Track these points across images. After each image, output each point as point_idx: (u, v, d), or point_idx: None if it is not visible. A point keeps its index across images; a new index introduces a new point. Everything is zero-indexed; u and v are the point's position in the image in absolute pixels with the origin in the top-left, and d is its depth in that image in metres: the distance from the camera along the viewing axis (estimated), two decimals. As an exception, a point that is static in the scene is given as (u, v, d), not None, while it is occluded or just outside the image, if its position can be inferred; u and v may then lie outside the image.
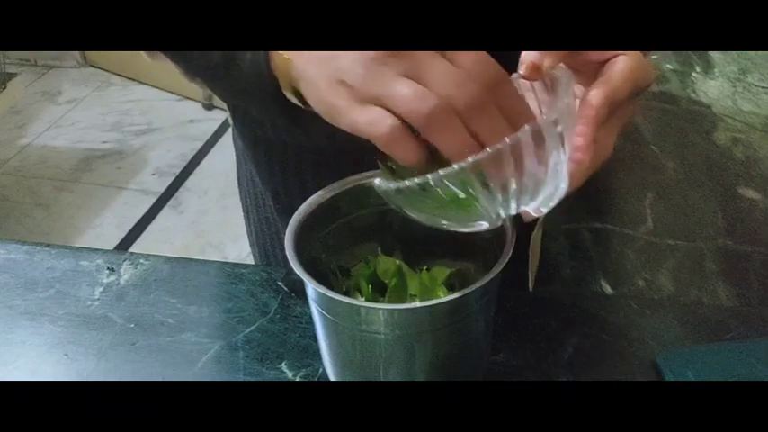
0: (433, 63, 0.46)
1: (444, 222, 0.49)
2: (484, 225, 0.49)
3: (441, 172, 0.44)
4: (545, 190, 0.47)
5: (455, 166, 0.44)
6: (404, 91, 0.45)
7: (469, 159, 0.44)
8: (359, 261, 0.62)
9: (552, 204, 0.48)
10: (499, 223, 0.49)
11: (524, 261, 0.87)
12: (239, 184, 0.92)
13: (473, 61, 0.46)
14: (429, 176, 0.44)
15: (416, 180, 0.44)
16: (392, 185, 0.47)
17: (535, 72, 0.48)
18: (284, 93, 0.53)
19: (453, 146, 0.46)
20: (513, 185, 0.46)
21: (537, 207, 0.48)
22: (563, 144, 0.46)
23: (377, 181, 0.49)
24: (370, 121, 0.47)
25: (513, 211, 0.48)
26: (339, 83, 0.48)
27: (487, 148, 0.44)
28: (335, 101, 0.48)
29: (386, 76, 0.46)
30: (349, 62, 0.47)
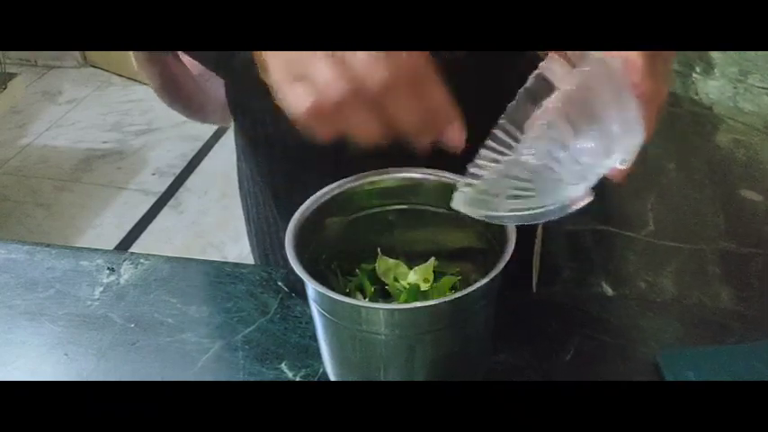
0: (357, 52, 0.46)
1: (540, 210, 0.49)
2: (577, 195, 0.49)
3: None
4: (620, 143, 0.47)
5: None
6: (320, 72, 0.46)
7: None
8: (359, 261, 0.62)
9: (632, 156, 0.48)
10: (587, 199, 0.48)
11: (525, 262, 0.87)
12: (240, 184, 0.92)
13: (399, 56, 0.46)
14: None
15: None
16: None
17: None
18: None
19: (358, 129, 0.48)
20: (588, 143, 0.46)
21: (619, 160, 0.49)
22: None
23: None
24: (292, 100, 0.48)
25: (597, 172, 0.48)
26: (281, 62, 0.48)
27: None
28: (275, 78, 0.49)
29: (312, 56, 0.47)
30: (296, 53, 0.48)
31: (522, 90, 0.53)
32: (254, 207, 0.87)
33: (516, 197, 0.47)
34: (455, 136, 0.49)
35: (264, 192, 0.82)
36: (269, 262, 0.86)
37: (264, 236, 0.87)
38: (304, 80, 0.47)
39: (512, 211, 0.48)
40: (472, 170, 0.51)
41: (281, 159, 0.76)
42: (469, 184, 0.49)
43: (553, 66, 0.51)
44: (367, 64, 0.46)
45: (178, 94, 0.83)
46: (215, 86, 0.85)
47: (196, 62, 0.80)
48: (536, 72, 0.52)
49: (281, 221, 0.80)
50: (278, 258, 0.84)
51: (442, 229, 0.61)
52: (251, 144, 0.79)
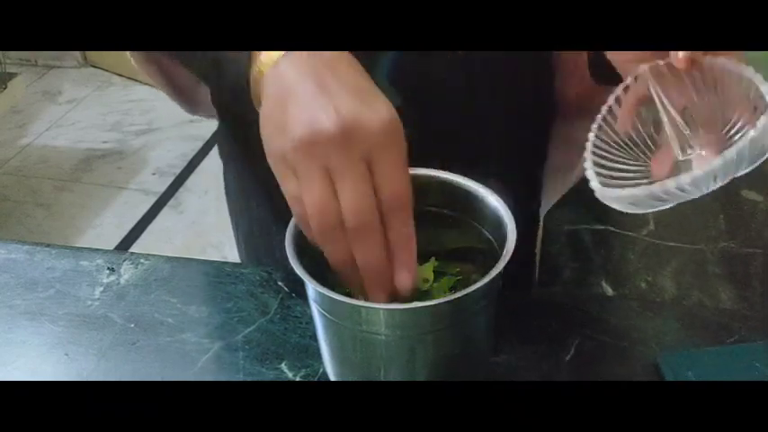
0: (355, 172, 0.48)
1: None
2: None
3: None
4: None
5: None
6: (313, 193, 0.49)
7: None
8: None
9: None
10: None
11: (525, 262, 0.87)
12: (227, 195, 0.92)
13: (391, 182, 0.49)
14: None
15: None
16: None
17: (691, 65, 0.51)
18: (254, 103, 0.55)
19: (333, 258, 0.51)
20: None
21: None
22: None
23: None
24: (289, 195, 0.51)
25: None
26: (280, 130, 0.50)
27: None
28: (270, 145, 0.51)
29: (310, 163, 0.49)
30: (295, 121, 0.49)
31: (616, 95, 0.54)
32: (246, 211, 0.87)
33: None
34: (407, 282, 0.52)
35: (256, 194, 0.82)
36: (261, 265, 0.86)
37: (257, 242, 0.87)
38: (296, 179, 0.49)
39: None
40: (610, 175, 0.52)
41: None
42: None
43: (660, 70, 0.52)
44: (353, 202, 0.48)
45: (170, 81, 0.83)
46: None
47: None
48: (635, 75, 0.53)
49: (277, 224, 0.80)
50: (272, 261, 0.84)
51: (442, 229, 0.61)
52: (241, 146, 0.79)
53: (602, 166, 0.52)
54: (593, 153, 0.53)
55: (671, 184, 0.46)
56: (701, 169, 0.46)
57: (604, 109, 0.54)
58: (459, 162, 0.60)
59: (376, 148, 0.48)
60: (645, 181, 0.51)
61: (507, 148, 0.78)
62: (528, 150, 0.81)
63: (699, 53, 0.51)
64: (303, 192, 0.49)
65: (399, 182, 0.50)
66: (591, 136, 0.54)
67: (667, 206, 0.49)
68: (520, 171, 0.81)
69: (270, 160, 0.51)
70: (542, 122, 0.81)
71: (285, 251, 0.53)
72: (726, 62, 0.51)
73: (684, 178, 0.46)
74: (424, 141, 0.72)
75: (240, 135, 0.79)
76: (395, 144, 0.50)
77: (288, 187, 0.51)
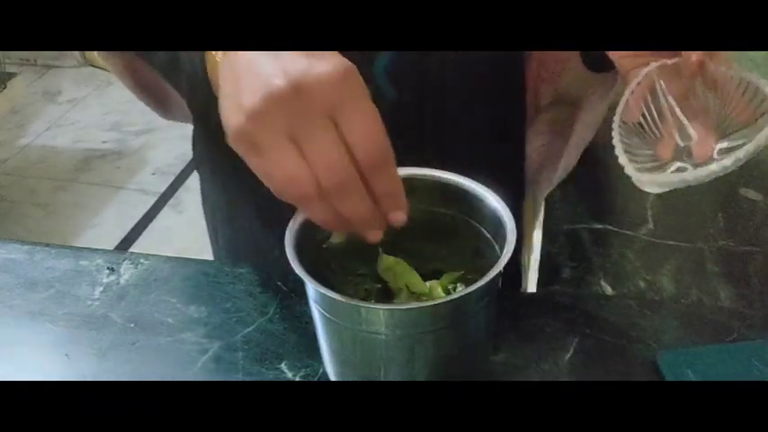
0: (318, 129, 0.46)
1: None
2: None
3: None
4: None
5: None
6: (280, 164, 0.46)
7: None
8: (359, 260, 0.62)
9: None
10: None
11: (513, 261, 0.87)
12: (205, 213, 0.91)
13: (360, 135, 0.46)
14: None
15: None
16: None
17: (700, 68, 0.52)
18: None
19: (318, 220, 0.49)
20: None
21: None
22: None
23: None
24: (258, 172, 0.48)
25: None
26: (235, 108, 0.47)
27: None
28: (228, 125, 0.48)
29: (270, 133, 0.46)
30: (246, 93, 0.47)
31: (629, 92, 0.56)
32: (227, 220, 0.87)
33: None
34: (400, 218, 0.50)
35: (243, 206, 0.81)
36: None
37: (239, 252, 0.87)
38: (262, 155, 0.47)
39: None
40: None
41: None
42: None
43: (667, 69, 0.55)
44: (326, 161, 0.46)
45: (141, 85, 0.83)
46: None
47: None
48: (645, 72, 0.55)
49: (265, 231, 0.80)
50: (262, 263, 0.84)
51: (442, 230, 0.61)
52: (229, 159, 0.79)
53: (626, 152, 0.55)
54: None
55: (703, 173, 0.52)
56: (723, 162, 0.53)
57: (622, 102, 0.56)
58: (446, 157, 0.61)
59: (335, 101, 0.46)
60: (657, 164, 0.55)
61: (486, 145, 0.78)
62: (507, 146, 0.82)
63: (707, 58, 0.52)
64: (271, 166, 0.47)
65: (370, 132, 0.47)
66: (615, 127, 0.55)
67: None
68: (500, 168, 0.81)
69: (230, 141, 0.49)
70: (519, 118, 0.82)
71: (284, 251, 0.53)
72: (726, 69, 0.53)
73: (714, 168, 0.52)
74: (418, 136, 0.73)
75: (209, 134, 0.78)
76: (356, 93, 0.47)
77: (254, 164, 0.48)
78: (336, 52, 0.48)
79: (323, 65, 0.46)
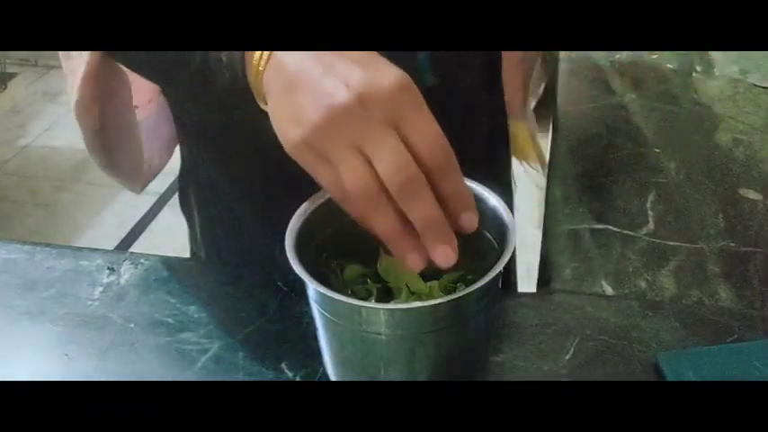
0: (384, 136, 0.47)
1: None
2: None
3: None
4: None
5: None
6: (346, 166, 0.47)
7: None
8: (360, 260, 0.62)
9: None
10: None
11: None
12: (187, 215, 0.92)
13: (425, 142, 0.47)
14: None
15: None
16: None
17: None
18: (258, 102, 0.54)
19: (384, 228, 0.49)
20: None
21: None
22: None
23: None
24: (327, 183, 0.49)
25: None
26: (296, 120, 0.49)
27: None
28: (289, 138, 0.50)
29: (338, 142, 0.48)
30: (308, 107, 0.48)
31: None
32: (208, 228, 0.86)
33: None
34: (470, 222, 0.51)
35: (238, 206, 0.81)
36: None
37: (220, 252, 0.87)
38: (330, 163, 0.48)
39: None
40: None
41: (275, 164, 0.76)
42: None
43: None
44: (391, 162, 0.47)
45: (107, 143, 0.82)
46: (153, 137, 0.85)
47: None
48: None
49: (260, 229, 0.80)
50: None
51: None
52: (223, 156, 0.79)
53: None
54: None
55: None
56: None
57: None
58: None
59: (396, 109, 0.47)
60: None
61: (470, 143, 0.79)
62: (488, 144, 0.83)
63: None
64: (341, 173, 0.48)
65: (432, 135, 0.48)
66: None
67: None
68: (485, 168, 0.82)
69: (292, 153, 0.50)
70: (498, 118, 0.83)
71: (284, 251, 0.53)
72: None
73: None
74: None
75: (229, 130, 0.78)
76: (414, 100, 0.48)
77: (322, 174, 0.49)
78: (386, 61, 0.49)
79: (383, 77, 0.48)
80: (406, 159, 0.47)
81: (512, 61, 0.77)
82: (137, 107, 0.82)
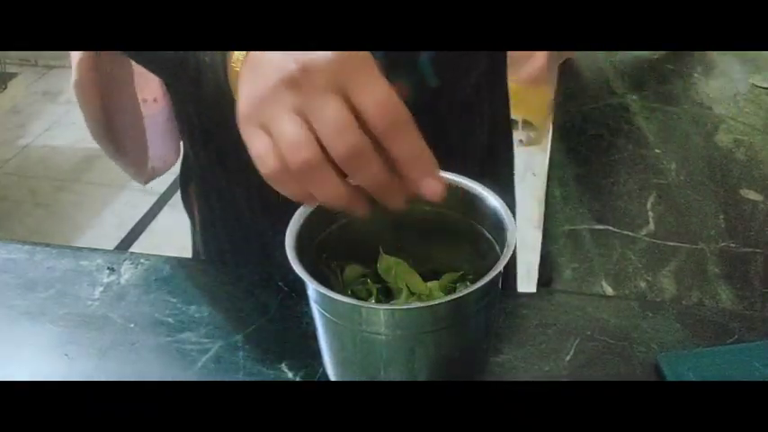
0: (326, 102, 0.45)
1: None
2: None
3: None
4: None
5: None
6: (285, 133, 0.46)
7: None
8: (360, 261, 0.62)
9: None
10: None
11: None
12: (188, 212, 0.92)
13: (372, 104, 0.46)
14: None
15: None
16: None
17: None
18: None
19: (324, 195, 0.47)
20: None
21: None
22: None
23: None
24: (257, 153, 0.47)
25: None
26: (244, 98, 0.48)
27: None
28: (239, 114, 0.49)
29: (278, 108, 0.46)
30: (258, 83, 0.47)
31: None
32: (210, 223, 0.87)
33: None
34: (434, 187, 0.48)
35: (243, 199, 0.81)
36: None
37: (221, 248, 0.87)
38: (269, 133, 0.47)
39: None
40: None
41: None
42: None
43: None
44: (333, 128, 0.45)
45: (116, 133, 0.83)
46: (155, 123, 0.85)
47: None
48: None
49: (264, 226, 0.80)
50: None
51: (442, 230, 0.61)
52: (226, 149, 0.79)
53: None
54: None
55: None
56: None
57: None
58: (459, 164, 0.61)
59: (343, 75, 0.45)
60: None
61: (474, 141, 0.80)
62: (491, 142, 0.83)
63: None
64: (275, 138, 0.46)
65: (380, 96, 0.45)
66: None
67: None
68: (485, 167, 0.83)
69: (240, 127, 0.49)
70: (501, 117, 0.84)
71: (285, 251, 0.53)
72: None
73: None
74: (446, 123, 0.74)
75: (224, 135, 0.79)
76: (362, 65, 0.46)
77: (254, 145, 0.47)
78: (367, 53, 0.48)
79: (334, 52, 0.46)
80: (348, 123, 0.45)
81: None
82: (145, 101, 0.82)
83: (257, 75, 0.48)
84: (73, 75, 0.77)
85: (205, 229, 0.89)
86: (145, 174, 0.88)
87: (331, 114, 0.45)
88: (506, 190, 0.89)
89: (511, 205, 0.89)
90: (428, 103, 0.69)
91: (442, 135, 0.75)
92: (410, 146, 0.47)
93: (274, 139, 0.46)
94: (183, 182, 0.91)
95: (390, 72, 0.65)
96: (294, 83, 0.46)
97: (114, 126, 0.82)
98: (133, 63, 0.76)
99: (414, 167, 0.47)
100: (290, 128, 0.46)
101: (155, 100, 0.83)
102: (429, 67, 0.69)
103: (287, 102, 0.46)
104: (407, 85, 0.69)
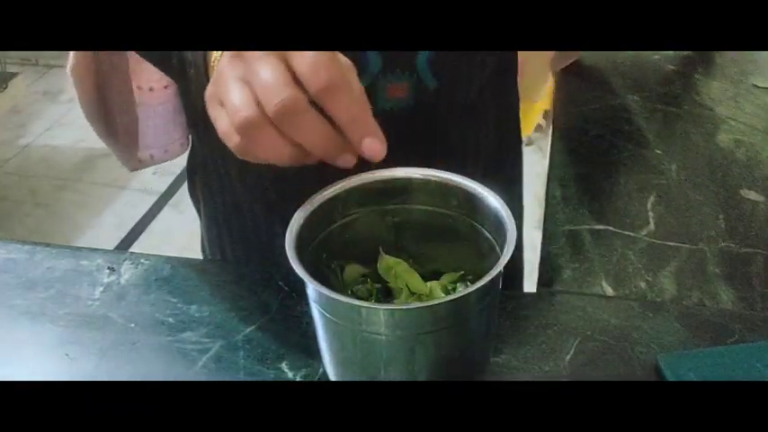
0: (261, 65, 0.47)
1: None
2: None
3: None
4: None
5: None
6: (230, 99, 0.48)
7: None
8: (360, 261, 0.62)
9: None
10: None
11: (514, 260, 0.88)
12: (195, 204, 0.92)
13: (306, 64, 0.47)
14: None
15: None
16: None
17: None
18: None
19: (266, 154, 0.48)
20: None
21: None
22: None
23: None
24: (221, 131, 0.50)
25: None
26: (210, 84, 0.51)
27: None
28: (206, 101, 0.51)
29: (227, 78, 0.48)
30: (218, 68, 0.50)
31: None
32: (220, 217, 0.87)
33: None
34: (373, 147, 0.49)
35: (254, 196, 0.82)
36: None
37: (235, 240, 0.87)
38: (223, 105, 0.49)
39: None
40: None
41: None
42: None
43: None
44: (267, 86, 0.46)
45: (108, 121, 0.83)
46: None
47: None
48: None
49: (268, 220, 0.80)
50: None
51: (442, 230, 0.61)
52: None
53: None
54: None
55: None
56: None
57: None
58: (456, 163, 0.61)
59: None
60: None
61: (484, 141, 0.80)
62: (501, 141, 0.83)
63: None
64: (226, 107, 0.48)
65: (316, 59, 0.46)
66: None
67: None
68: (498, 167, 0.83)
69: (208, 111, 0.51)
70: (508, 115, 0.84)
71: (285, 251, 0.53)
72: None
73: None
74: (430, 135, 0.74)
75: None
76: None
77: (218, 123, 0.50)
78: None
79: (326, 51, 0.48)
80: (281, 80, 0.46)
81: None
82: (140, 88, 0.82)
83: (220, 63, 0.51)
84: (70, 59, 0.78)
85: (208, 221, 0.89)
86: (133, 160, 0.88)
87: (266, 74, 0.47)
88: (514, 194, 0.89)
89: (518, 209, 0.90)
90: (427, 105, 0.69)
91: (442, 137, 0.75)
92: (346, 105, 0.48)
93: (226, 108, 0.48)
94: (190, 173, 0.91)
95: (388, 72, 0.66)
96: (239, 54, 0.48)
97: (107, 108, 0.82)
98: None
99: (351, 127, 0.48)
100: (234, 94, 0.48)
101: (150, 89, 0.83)
102: (427, 68, 0.69)
103: (234, 73, 0.48)
104: (406, 86, 0.69)
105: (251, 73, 0.47)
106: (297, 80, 0.47)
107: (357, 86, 0.48)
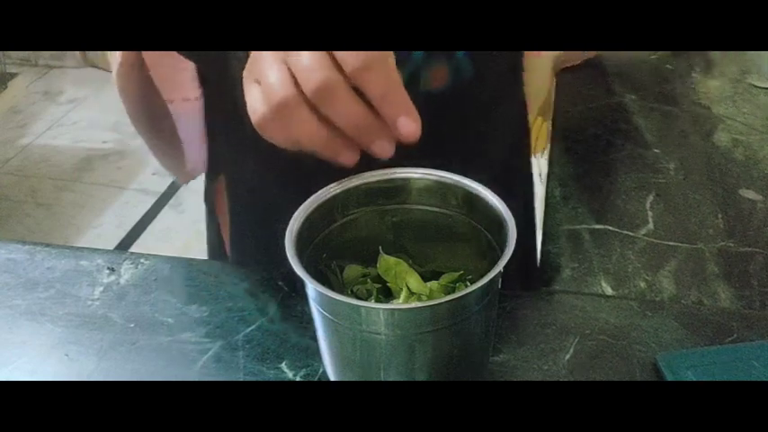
0: (302, 51, 0.48)
1: None
2: None
3: None
4: None
5: None
6: (267, 78, 0.48)
7: None
8: (359, 261, 0.62)
9: None
10: None
11: (528, 259, 0.87)
12: (209, 209, 0.91)
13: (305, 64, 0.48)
14: None
15: None
16: None
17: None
18: None
19: (301, 135, 0.49)
20: None
21: None
22: None
23: None
24: (249, 104, 0.50)
25: None
26: (248, 62, 0.52)
27: None
28: (243, 79, 0.52)
29: (266, 60, 0.49)
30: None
31: None
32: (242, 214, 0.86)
33: None
34: (409, 126, 0.49)
35: (268, 194, 0.81)
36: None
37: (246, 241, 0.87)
38: (259, 84, 0.50)
39: None
40: None
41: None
42: None
43: None
44: (306, 66, 0.47)
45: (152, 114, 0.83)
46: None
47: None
48: None
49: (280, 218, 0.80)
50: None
51: (442, 229, 0.61)
52: (246, 149, 0.79)
53: None
54: None
55: None
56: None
57: None
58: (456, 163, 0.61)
59: None
60: None
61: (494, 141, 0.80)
62: (511, 142, 0.84)
63: None
64: (262, 86, 0.49)
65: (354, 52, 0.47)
66: None
67: None
68: (508, 166, 0.83)
69: (244, 88, 0.51)
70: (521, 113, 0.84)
71: (284, 250, 0.53)
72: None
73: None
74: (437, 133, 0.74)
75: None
76: None
77: (249, 97, 0.50)
78: None
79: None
80: (320, 62, 0.47)
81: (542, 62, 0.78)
82: (171, 101, 0.81)
83: None
84: (114, 66, 0.77)
85: (238, 224, 0.88)
86: (183, 173, 0.87)
87: (305, 55, 0.47)
88: (528, 184, 0.89)
89: (530, 215, 0.90)
90: (460, 95, 0.69)
91: (475, 124, 0.75)
92: (383, 83, 0.48)
93: (261, 87, 0.49)
94: (210, 177, 0.90)
95: (430, 58, 0.65)
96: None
97: (151, 123, 0.81)
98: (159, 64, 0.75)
99: (387, 105, 0.48)
100: (272, 73, 0.48)
101: (184, 99, 0.82)
102: (464, 55, 0.69)
103: (272, 53, 0.48)
104: (446, 72, 0.68)
105: (290, 53, 0.48)
106: (335, 62, 0.47)
107: (393, 67, 0.48)
